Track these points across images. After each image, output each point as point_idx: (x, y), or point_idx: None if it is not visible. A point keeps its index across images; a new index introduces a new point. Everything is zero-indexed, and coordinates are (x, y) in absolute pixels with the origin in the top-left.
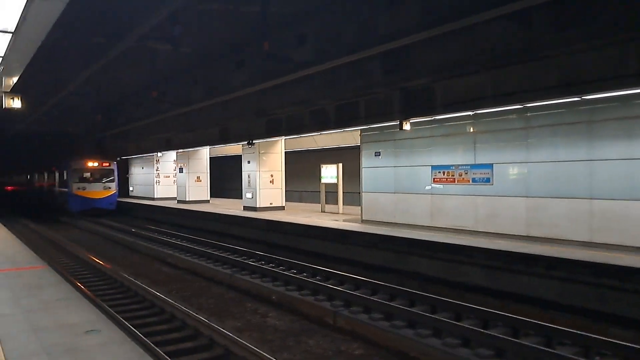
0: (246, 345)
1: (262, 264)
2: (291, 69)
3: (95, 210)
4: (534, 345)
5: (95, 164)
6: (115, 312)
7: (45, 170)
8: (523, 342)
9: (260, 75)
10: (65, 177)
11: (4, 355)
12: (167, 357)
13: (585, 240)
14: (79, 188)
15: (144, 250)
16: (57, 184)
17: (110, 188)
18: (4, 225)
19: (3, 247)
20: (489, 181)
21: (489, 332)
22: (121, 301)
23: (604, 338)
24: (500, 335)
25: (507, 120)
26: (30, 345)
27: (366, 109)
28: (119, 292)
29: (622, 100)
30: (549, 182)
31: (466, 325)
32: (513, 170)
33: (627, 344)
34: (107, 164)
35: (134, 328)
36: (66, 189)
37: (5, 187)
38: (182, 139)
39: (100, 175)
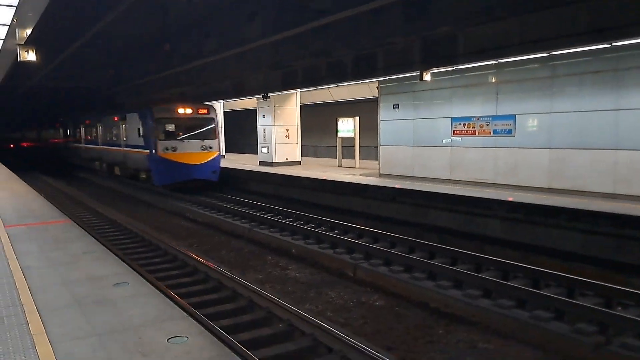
0: (269, 297)
1: (280, 219)
2: (307, 19)
3: (192, 182)
4: (556, 296)
5: (189, 111)
6: (140, 265)
7: (97, 121)
8: (544, 293)
9: (275, 26)
10: (142, 132)
11: (36, 306)
12: (195, 310)
13: (608, 191)
14: (167, 149)
15: (162, 205)
16: (123, 142)
17: (211, 148)
18: (26, 183)
19: (27, 203)
20: (510, 132)
21: (510, 284)
22: (145, 254)
23: (626, 289)
24: (521, 287)
25: (531, 69)
26: (62, 297)
27: (385, 59)
28: (141, 246)
29: None
30: (573, 133)
31: (487, 277)
32: (536, 121)
33: None
34: (205, 111)
35: (159, 281)
36: (145, 150)
37: (21, 144)
38: (195, 93)
39: (197, 129)
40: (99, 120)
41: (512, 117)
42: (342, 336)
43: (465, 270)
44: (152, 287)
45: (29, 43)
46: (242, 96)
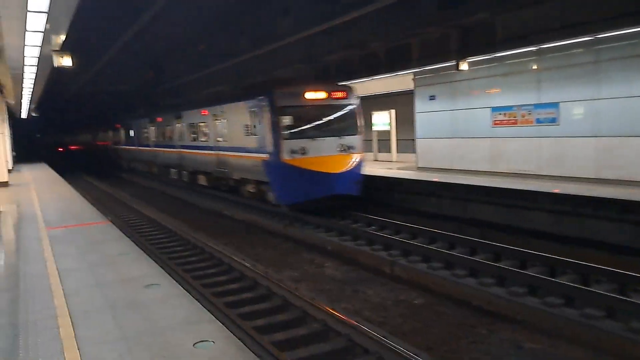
0: (304, 296)
1: (315, 215)
2: (339, 12)
3: (329, 197)
4: (606, 293)
5: (322, 95)
6: (175, 264)
7: (174, 118)
8: (594, 290)
9: (308, 20)
10: (256, 128)
11: (69, 310)
12: (223, 311)
13: None
14: (294, 151)
15: (199, 204)
16: (216, 143)
17: (352, 148)
18: (71, 185)
19: (69, 205)
20: (554, 121)
21: (557, 280)
22: (181, 253)
23: None
24: (570, 283)
25: (575, 54)
26: (94, 300)
27: (420, 50)
28: (179, 245)
29: None
30: (621, 120)
31: (532, 274)
32: (582, 109)
33: None
34: (343, 94)
35: (194, 280)
36: (259, 154)
37: (70, 147)
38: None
39: (333, 121)
40: (177, 116)
41: (556, 105)
42: (378, 337)
43: (509, 267)
44: (182, 288)
45: (65, 48)
46: None
